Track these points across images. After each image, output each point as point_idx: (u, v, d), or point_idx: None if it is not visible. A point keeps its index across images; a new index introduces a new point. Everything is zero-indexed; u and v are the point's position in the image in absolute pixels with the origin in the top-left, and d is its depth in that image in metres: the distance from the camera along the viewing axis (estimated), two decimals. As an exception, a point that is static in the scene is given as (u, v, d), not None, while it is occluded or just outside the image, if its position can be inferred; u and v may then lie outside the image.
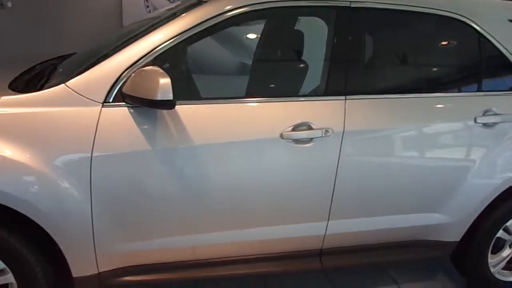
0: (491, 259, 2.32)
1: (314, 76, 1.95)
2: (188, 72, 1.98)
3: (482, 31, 2.07)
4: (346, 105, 1.89)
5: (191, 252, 1.92)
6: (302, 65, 2.01)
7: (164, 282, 1.98)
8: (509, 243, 2.34)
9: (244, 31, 2.20)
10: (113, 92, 1.69)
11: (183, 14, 1.81)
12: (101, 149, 1.66)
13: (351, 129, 1.89)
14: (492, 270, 2.32)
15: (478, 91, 2.11)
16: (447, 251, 2.25)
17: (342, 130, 1.87)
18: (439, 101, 2.05)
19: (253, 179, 1.84)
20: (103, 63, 1.73)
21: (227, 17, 1.79)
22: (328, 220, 1.99)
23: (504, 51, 2.11)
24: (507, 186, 2.15)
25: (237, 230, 1.91)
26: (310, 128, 1.83)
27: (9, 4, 4.67)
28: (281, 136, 1.80)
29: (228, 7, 1.79)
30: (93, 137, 1.65)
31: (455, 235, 2.21)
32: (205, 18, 1.76)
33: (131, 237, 1.80)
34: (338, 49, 1.92)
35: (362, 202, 2.01)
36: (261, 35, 2.27)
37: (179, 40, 1.74)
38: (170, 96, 1.53)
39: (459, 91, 2.10)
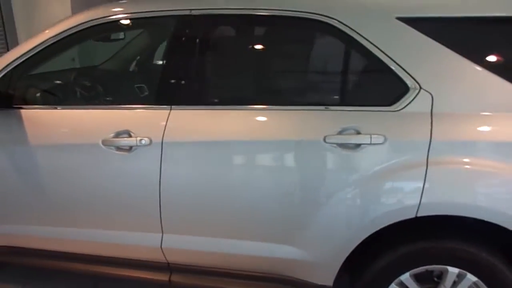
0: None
1: (146, 85, 1.93)
2: (36, 80, 2.20)
3: (351, 33, 1.68)
4: (169, 116, 1.83)
5: (56, 243, 2.12)
6: (133, 75, 2.01)
7: (39, 268, 2.23)
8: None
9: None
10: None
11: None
12: None
13: (171, 140, 1.81)
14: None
15: (335, 104, 1.72)
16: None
17: (161, 141, 1.81)
18: (280, 114, 1.75)
19: (77, 182, 1.94)
20: None
21: (74, 32, 1.96)
22: (162, 233, 1.93)
23: (382, 57, 1.67)
24: (381, 226, 1.68)
25: (78, 229, 2.03)
26: (130, 136, 1.84)
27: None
28: (103, 142, 1.86)
29: (75, 24, 1.96)
30: None
31: (321, 278, 1.83)
32: (54, 34, 1.98)
33: None
34: (172, 58, 1.88)
35: (195, 219, 1.88)
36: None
37: (33, 53, 1.99)
38: None
39: (309, 104, 1.73)
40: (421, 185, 1.61)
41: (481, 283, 1.70)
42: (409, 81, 1.66)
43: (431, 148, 1.61)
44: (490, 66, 1.62)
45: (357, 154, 1.67)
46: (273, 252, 1.84)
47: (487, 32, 1.69)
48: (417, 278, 1.76)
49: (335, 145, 1.68)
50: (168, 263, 2.01)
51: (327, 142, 1.67)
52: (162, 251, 1.96)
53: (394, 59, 1.66)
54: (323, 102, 1.73)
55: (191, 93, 1.85)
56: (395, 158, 1.65)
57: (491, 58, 1.67)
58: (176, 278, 2.02)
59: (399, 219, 1.66)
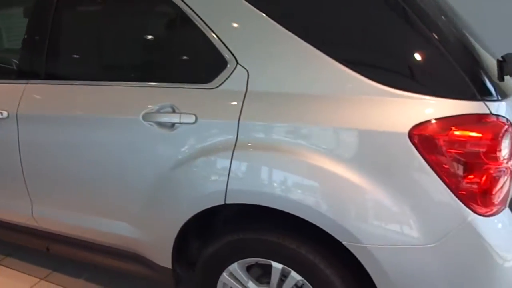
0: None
1: (14, 59, 1.99)
2: None
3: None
4: (24, 90, 1.88)
5: None
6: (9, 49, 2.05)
7: None
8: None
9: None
10: None
11: None
12: None
13: (23, 113, 1.87)
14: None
15: (156, 80, 1.61)
16: (162, 276, 1.82)
17: (16, 114, 1.88)
18: (109, 90, 1.69)
19: None
20: None
21: None
22: (31, 203, 2.02)
23: (201, 25, 1.51)
24: (196, 211, 1.57)
25: None
26: (-5, 109, 1.94)
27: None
28: None
29: None
30: None
31: (159, 258, 1.77)
32: None
33: None
34: (27, 33, 1.90)
35: (52, 191, 1.93)
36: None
37: None
38: None
39: (130, 80, 1.64)
40: (227, 170, 1.47)
41: (306, 283, 1.53)
42: (227, 55, 1.50)
43: (239, 130, 1.46)
44: (316, 42, 1.39)
45: (172, 134, 1.57)
46: (116, 229, 1.83)
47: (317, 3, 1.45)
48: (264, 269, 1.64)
49: (152, 123, 1.59)
50: (45, 231, 2.10)
51: (145, 120, 1.60)
52: (35, 219, 2.06)
53: (213, 28, 1.51)
54: (144, 78, 1.65)
55: (41, 68, 1.87)
56: (205, 139, 1.52)
57: (318, 33, 1.43)
58: (53, 247, 2.11)
59: (209, 206, 1.55)
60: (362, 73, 1.33)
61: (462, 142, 1.25)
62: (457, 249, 1.31)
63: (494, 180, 1.27)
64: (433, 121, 1.26)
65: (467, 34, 1.54)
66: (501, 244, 1.34)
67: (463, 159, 1.26)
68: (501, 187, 1.31)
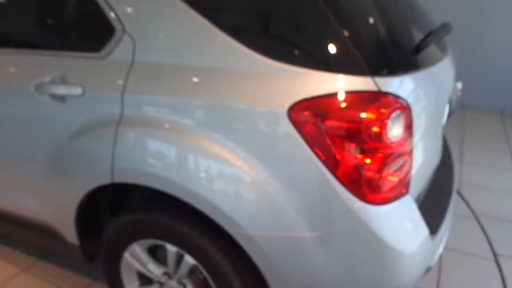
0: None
1: None
2: None
3: None
4: None
5: None
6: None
7: None
8: (157, 279, 1.61)
9: None
10: None
11: None
12: None
13: None
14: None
15: (50, 48, 1.48)
16: (73, 252, 1.76)
17: None
18: (2, 59, 1.59)
19: None
20: None
21: None
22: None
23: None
24: (87, 189, 1.49)
25: None
26: None
27: None
28: None
29: None
30: None
31: (66, 234, 1.71)
32: None
33: None
34: None
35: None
36: None
37: None
38: None
39: (27, 47, 1.51)
40: (112, 147, 1.38)
41: (201, 268, 1.45)
42: (115, 22, 1.37)
43: (124, 104, 1.35)
44: (206, 13, 1.26)
45: (64, 106, 1.47)
46: (28, 203, 1.76)
47: None
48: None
49: (44, 95, 1.49)
50: None
51: (36, 92, 1.50)
52: None
53: (100, -9, 1.38)
54: (37, 45, 1.53)
55: None
56: (93, 113, 1.42)
57: (208, 3, 1.29)
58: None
59: (98, 184, 1.46)
60: (250, 46, 1.20)
61: (344, 122, 1.12)
62: (343, 239, 1.21)
63: (381, 165, 1.15)
64: (314, 99, 1.13)
65: (384, 9, 1.38)
66: (396, 234, 1.23)
67: (345, 141, 1.14)
68: (394, 173, 1.19)
